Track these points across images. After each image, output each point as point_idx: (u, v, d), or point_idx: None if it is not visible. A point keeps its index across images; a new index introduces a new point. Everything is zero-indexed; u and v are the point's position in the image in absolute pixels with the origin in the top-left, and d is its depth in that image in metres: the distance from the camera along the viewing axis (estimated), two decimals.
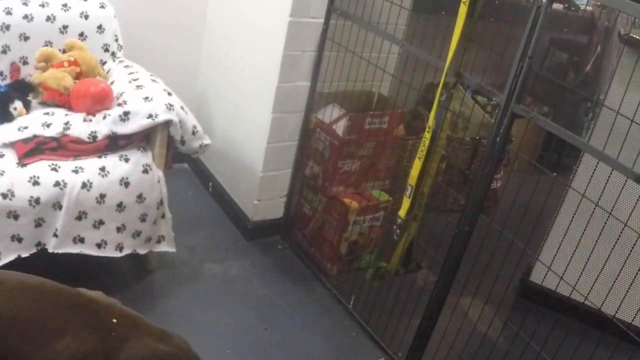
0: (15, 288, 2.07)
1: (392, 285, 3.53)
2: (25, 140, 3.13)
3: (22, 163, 3.03)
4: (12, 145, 3.13)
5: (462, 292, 3.12)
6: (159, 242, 3.58)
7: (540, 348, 2.68)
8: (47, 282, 2.16)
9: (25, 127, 3.19)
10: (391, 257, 3.50)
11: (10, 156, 3.07)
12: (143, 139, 3.43)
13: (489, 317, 3.05)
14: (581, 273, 2.69)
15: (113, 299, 2.33)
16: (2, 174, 2.95)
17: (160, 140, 3.43)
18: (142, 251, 3.49)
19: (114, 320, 2.16)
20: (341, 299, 3.90)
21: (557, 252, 2.85)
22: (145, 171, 3.33)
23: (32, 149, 3.09)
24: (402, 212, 3.25)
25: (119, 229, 3.30)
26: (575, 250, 2.65)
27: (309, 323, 3.71)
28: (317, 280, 4.08)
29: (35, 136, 3.15)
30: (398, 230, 3.33)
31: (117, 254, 3.36)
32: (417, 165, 3.13)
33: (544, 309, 3.75)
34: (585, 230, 2.70)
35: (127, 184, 3.25)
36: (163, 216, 3.53)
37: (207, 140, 3.60)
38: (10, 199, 2.93)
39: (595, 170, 2.52)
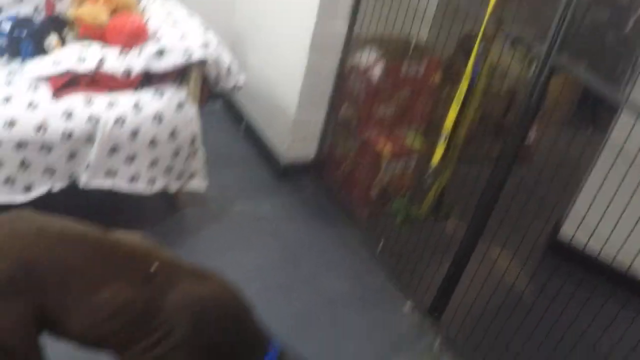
0: (55, 237, 2.07)
1: (422, 231, 3.52)
2: (60, 75, 3.13)
3: (56, 97, 3.04)
4: (46, 79, 3.13)
5: (491, 243, 3.10)
6: (190, 178, 3.60)
7: (565, 305, 2.66)
8: (88, 231, 2.16)
9: (60, 62, 3.18)
10: (422, 203, 3.49)
11: (44, 90, 3.08)
12: (178, 75, 3.41)
13: (516, 270, 3.03)
14: (611, 232, 2.65)
15: (151, 241, 2.33)
16: (35, 107, 2.97)
17: (195, 77, 3.41)
18: (174, 187, 3.51)
19: (154, 268, 2.16)
20: (370, 242, 3.90)
21: (588, 209, 2.80)
22: (180, 107, 3.32)
23: (66, 83, 3.10)
24: (435, 159, 3.23)
25: (151, 165, 3.32)
26: (607, 209, 2.61)
27: (336, 265, 3.73)
28: (346, 223, 4.08)
29: (69, 71, 3.14)
30: (430, 177, 3.31)
31: (149, 189, 3.38)
32: (452, 113, 3.09)
33: (571, 266, 3.73)
34: (618, 189, 2.65)
35: (160, 120, 3.25)
36: (195, 153, 3.53)
37: (241, 81, 3.58)
38: (44, 132, 2.94)
39: (633, 127, 2.46)
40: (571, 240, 3.34)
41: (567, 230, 3.98)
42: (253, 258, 3.61)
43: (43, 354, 2.25)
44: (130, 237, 2.29)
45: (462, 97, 3.03)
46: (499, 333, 3.00)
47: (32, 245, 2.01)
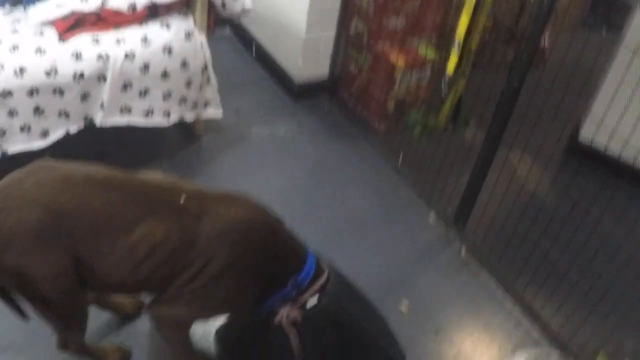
0: (80, 183, 2.07)
1: (441, 142, 3.51)
2: (65, 17, 3.09)
3: (62, 39, 3.02)
4: (51, 23, 3.10)
5: (511, 149, 3.09)
6: (205, 107, 3.59)
7: (588, 207, 2.66)
8: (112, 174, 2.17)
9: (63, 4, 3.14)
10: (439, 114, 3.47)
11: (51, 33, 3.06)
12: (183, 4, 3.37)
13: (537, 175, 3.03)
14: (631, 132, 2.63)
15: (172, 176, 2.33)
16: (44, 52, 2.95)
17: (201, 4, 3.36)
18: (189, 117, 3.51)
19: (182, 200, 2.17)
20: (390, 156, 3.90)
21: (607, 110, 2.77)
22: (188, 37, 3.29)
23: (72, 25, 3.07)
24: (450, 68, 3.20)
25: (165, 97, 3.31)
26: (625, 109, 2.58)
27: (359, 181, 3.75)
28: (364, 139, 4.07)
29: (74, 12, 3.11)
30: (446, 87, 3.28)
31: (165, 122, 3.40)
32: (464, 20, 3.04)
33: (593, 169, 3.71)
34: (635, 88, 2.61)
35: (170, 52, 3.22)
36: (208, 81, 3.52)
37: (248, 4, 3.52)
38: (55, 76, 2.94)
39: None
40: (591, 142, 3.31)
41: (587, 132, 3.94)
42: (275, 180, 3.63)
43: (86, 305, 2.31)
44: (152, 175, 2.30)
45: (473, 4, 2.97)
46: (523, 239, 3.02)
47: (60, 194, 2.02)
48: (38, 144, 3.04)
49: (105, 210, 2.06)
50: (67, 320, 2.29)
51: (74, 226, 2.02)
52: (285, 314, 2.29)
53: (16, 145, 3.01)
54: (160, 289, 2.22)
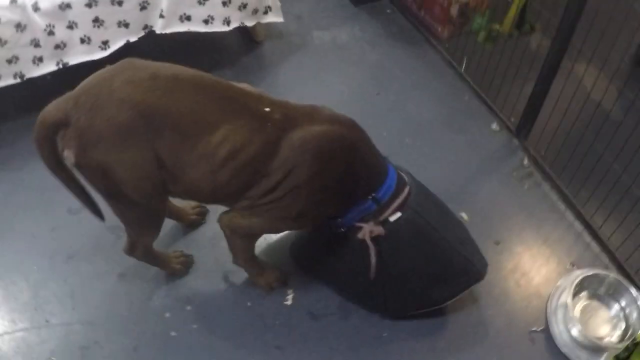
0: (168, 81, 2.09)
1: (505, 48, 3.40)
2: None
3: None
4: None
5: (577, 58, 2.98)
6: (265, 12, 3.54)
7: None
8: (199, 75, 2.18)
9: None
10: (504, 18, 3.36)
11: None
12: None
13: (603, 86, 2.93)
14: None
15: (258, 89, 2.33)
16: None
17: None
18: (249, 23, 3.48)
19: (267, 109, 2.18)
20: (453, 62, 3.81)
21: None
22: None
23: None
24: None
25: (224, 3, 3.28)
26: None
27: (421, 87, 3.69)
28: (427, 44, 3.98)
29: None
30: None
31: (225, 28, 3.37)
32: None
33: None
34: None
35: None
36: None
37: None
38: None
39: None
40: None
41: None
42: (337, 86, 3.60)
43: (164, 209, 2.37)
44: (239, 84, 2.29)
45: None
46: (586, 152, 2.96)
47: (148, 91, 2.05)
48: (99, 54, 3.07)
49: (191, 110, 2.09)
50: (144, 222, 2.38)
51: (161, 125, 2.05)
52: (369, 229, 2.33)
53: (77, 57, 3.04)
54: (236, 197, 2.26)
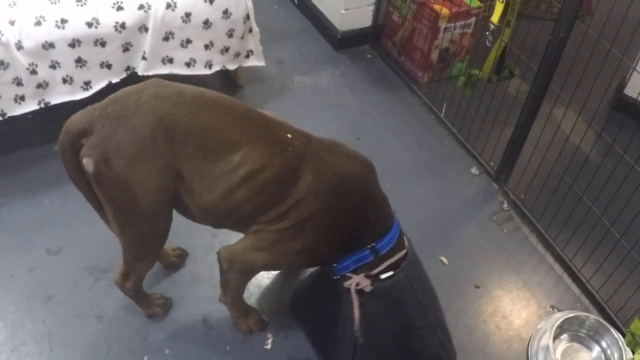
0: (194, 100, 2.11)
1: (484, 93, 3.45)
2: None
3: None
4: None
5: (556, 103, 3.03)
6: (247, 56, 3.58)
7: (634, 161, 2.60)
8: (224, 96, 2.20)
9: None
10: (483, 64, 3.40)
11: None
12: None
13: (582, 129, 2.97)
14: None
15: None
16: (85, 3, 2.96)
17: None
18: (231, 67, 3.50)
19: (289, 135, 2.19)
20: (433, 107, 3.86)
21: None
22: None
23: None
24: (495, 18, 3.12)
25: (206, 47, 3.31)
26: None
27: (400, 131, 3.72)
28: (407, 88, 4.04)
29: None
30: (491, 37, 3.21)
31: (207, 71, 3.39)
32: None
33: (639, 123, 3.62)
34: None
35: (211, 1, 3.20)
36: (250, 30, 3.50)
37: None
38: (96, 27, 2.95)
39: None
40: (638, 95, 3.22)
41: (633, 87, 3.84)
42: (317, 131, 3.52)
43: (166, 234, 2.33)
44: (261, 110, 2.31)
45: None
46: (566, 194, 2.98)
47: (174, 107, 2.06)
48: (81, 95, 3.07)
49: (215, 128, 2.09)
50: (146, 244, 2.35)
51: (184, 140, 2.06)
52: (357, 280, 2.26)
53: (59, 97, 3.05)
54: (249, 222, 2.24)
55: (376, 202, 2.30)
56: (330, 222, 2.20)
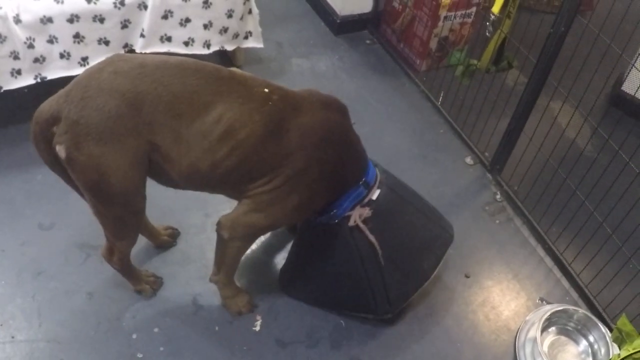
0: (158, 68, 2.08)
1: (482, 84, 3.45)
2: None
3: None
4: None
5: (553, 96, 3.03)
6: (246, 38, 3.56)
7: (629, 158, 2.61)
8: (188, 59, 2.17)
9: None
10: (482, 54, 3.39)
11: None
12: None
13: (578, 124, 2.97)
14: None
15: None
16: None
17: None
18: (229, 47, 3.49)
19: (266, 90, 2.17)
20: (430, 95, 3.86)
21: None
22: None
23: None
24: (496, 9, 3.11)
25: (205, 26, 3.29)
26: None
27: (397, 118, 3.72)
28: (405, 76, 4.03)
29: None
30: (491, 27, 3.20)
31: (205, 51, 3.38)
32: None
33: (635, 120, 3.62)
34: None
35: None
36: (250, 12, 3.48)
37: None
38: (95, 3, 2.93)
39: None
40: (635, 93, 3.22)
41: (631, 83, 3.84)
42: None
43: (142, 210, 2.33)
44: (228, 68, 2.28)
45: None
46: (560, 187, 2.99)
47: (136, 79, 2.04)
48: (77, 70, 3.05)
49: (184, 92, 2.07)
50: (123, 223, 2.34)
51: (153, 111, 2.04)
52: (358, 213, 2.40)
53: (56, 72, 3.03)
54: (237, 185, 2.25)
55: (356, 142, 2.40)
56: (322, 172, 2.25)
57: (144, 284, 2.68)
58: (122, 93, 2.00)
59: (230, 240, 2.39)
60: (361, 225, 2.42)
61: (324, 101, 2.30)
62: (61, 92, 2.08)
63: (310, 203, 2.33)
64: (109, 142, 2.02)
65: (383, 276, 2.52)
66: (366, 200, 2.42)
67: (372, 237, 2.44)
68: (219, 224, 2.36)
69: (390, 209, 2.52)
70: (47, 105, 2.07)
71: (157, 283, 2.73)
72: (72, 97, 2.02)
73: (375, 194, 2.44)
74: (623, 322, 2.34)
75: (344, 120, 2.35)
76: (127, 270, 2.60)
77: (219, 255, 2.50)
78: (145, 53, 2.11)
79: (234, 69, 2.27)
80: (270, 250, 2.94)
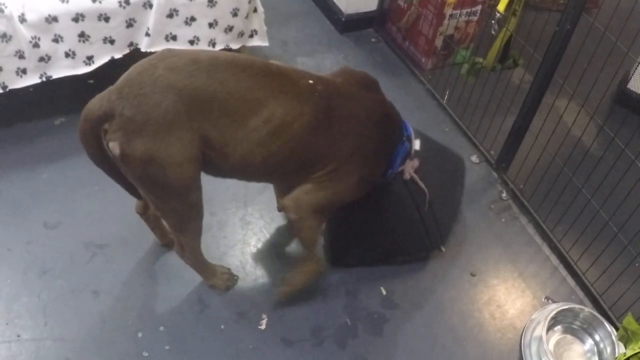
0: (211, 65, 2.10)
1: (487, 82, 3.43)
2: None
3: None
4: None
5: (559, 94, 3.02)
6: (251, 36, 3.56)
7: (635, 157, 2.60)
8: (238, 56, 2.21)
9: None
10: (488, 52, 3.38)
11: None
12: None
13: (583, 122, 2.96)
14: None
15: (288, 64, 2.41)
16: None
17: None
18: (234, 46, 3.48)
19: (311, 82, 2.23)
20: (435, 93, 3.85)
21: None
22: None
23: None
24: (501, 7, 3.10)
25: (210, 25, 3.29)
26: None
27: (403, 117, 3.69)
28: (411, 74, 4.02)
29: None
30: (496, 25, 3.19)
31: (210, 49, 3.37)
32: None
33: None
34: None
35: None
36: (255, 10, 3.48)
37: None
38: (100, 2, 2.94)
39: None
40: None
41: (637, 80, 3.83)
42: None
43: (201, 202, 2.35)
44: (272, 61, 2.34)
45: None
46: (565, 186, 2.98)
47: (191, 76, 2.06)
48: (83, 69, 3.07)
49: (237, 90, 2.11)
50: (183, 218, 2.36)
51: (207, 107, 2.08)
52: (409, 166, 2.61)
53: (61, 71, 3.04)
54: (296, 174, 2.34)
55: (390, 106, 2.56)
56: (374, 147, 2.39)
57: (217, 279, 2.72)
58: (178, 89, 2.03)
59: (299, 221, 2.44)
60: (414, 176, 2.64)
61: (360, 81, 2.45)
62: (111, 89, 2.09)
63: (370, 176, 2.46)
64: (165, 137, 2.04)
65: (434, 214, 2.80)
66: (411, 153, 2.62)
67: (423, 185, 2.67)
68: (283, 206, 2.43)
69: (430, 156, 2.78)
70: (97, 103, 2.08)
71: (231, 280, 2.76)
72: (126, 94, 2.03)
73: (417, 145, 2.66)
74: (629, 320, 2.33)
75: (379, 92, 2.50)
76: (199, 264, 2.64)
77: (298, 239, 2.62)
78: (198, 50, 2.19)
79: (274, 62, 2.32)
80: (272, 249, 2.94)
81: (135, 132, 2.02)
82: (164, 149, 2.05)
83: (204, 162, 2.20)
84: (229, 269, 2.77)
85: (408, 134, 2.59)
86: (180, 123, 2.04)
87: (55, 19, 2.88)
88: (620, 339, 2.42)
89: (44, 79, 3.01)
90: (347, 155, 2.29)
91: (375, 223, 2.79)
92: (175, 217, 2.35)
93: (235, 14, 3.33)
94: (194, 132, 2.08)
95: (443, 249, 2.97)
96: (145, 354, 2.51)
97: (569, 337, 2.76)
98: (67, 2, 2.87)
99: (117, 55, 3.13)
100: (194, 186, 2.24)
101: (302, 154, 2.24)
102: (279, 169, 2.29)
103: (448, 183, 2.99)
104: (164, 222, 2.45)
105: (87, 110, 2.09)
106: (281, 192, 2.58)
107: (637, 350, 2.27)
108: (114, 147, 2.06)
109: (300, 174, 2.33)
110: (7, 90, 2.97)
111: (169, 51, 2.15)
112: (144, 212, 2.65)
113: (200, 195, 2.31)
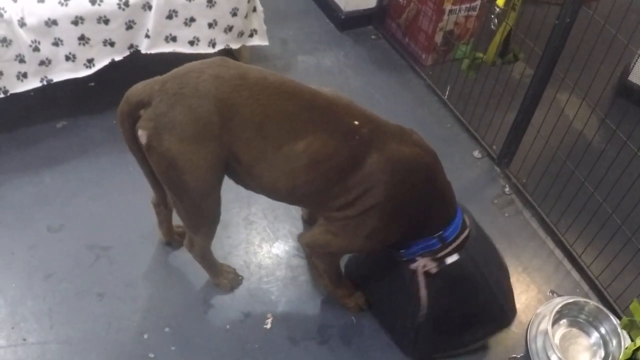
0: (257, 84, 2.08)
1: (488, 77, 3.44)
2: None
3: None
4: None
5: (560, 88, 3.02)
6: (251, 36, 3.56)
7: (638, 148, 2.60)
8: (288, 81, 2.17)
9: None
10: (488, 47, 3.39)
11: None
12: None
13: (585, 115, 2.96)
14: None
15: (346, 96, 2.31)
16: None
17: None
18: (235, 46, 3.49)
19: (356, 123, 2.16)
20: (436, 89, 3.85)
21: None
22: None
23: None
24: (501, 1, 3.12)
25: (210, 25, 3.29)
26: None
27: (403, 113, 3.70)
28: (411, 70, 4.02)
29: None
30: (496, 20, 3.20)
31: (210, 50, 3.38)
32: None
33: None
34: None
35: None
36: (254, 10, 3.48)
37: None
38: (99, 4, 2.93)
39: None
40: None
41: (638, 72, 3.82)
42: None
43: (218, 208, 2.35)
44: (328, 91, 2.27)
45: None
46: (568, 179, 2.98)
47: (234, 90, 2.05)
48: (83, 72, 3.06)
49: (277, 116, 2.08)
50: (198, 219, 2.37)
51: (242, 126, 2.06)
52: (423, 263, 2.32)
53: (61, 74, 3.04)
54: (315, 202, 2.30)
55: (443, 190, 2.31)
56: (398, 210, 2.22)
57: (222, 279, 2.72)
58: (217, 100, 2.02)
59: (314, 255, 2.50)
60: (420, 276, 2.35)
61: (414, 141, 2.25)
62: (157, 78, 2.10)
63: (381, 236, 2.30)
64: (191, 142, 2.04)
65: (419, 325, 2.47)
66: (440, 255, 2.33)
67: (423, 292, 2.37)
68: (300, 241, 2.48)
69: (459, 277, 2.39)
70: (141, 88, 2.10)
71: (236, 280, 2.77)
72: (167, 88, 2.04)
73: (450, 259, 2.34)
74: (635, 306, 2.33)
75: (433, 164, 2.27)
76: (207, 262, 2.65)
77: (316, 267, 2.62)
78: (248, 66, 2.10)
79: (331, 90, 2.28)
80: (276, 248, 2.94)
81: (165, 128, 2.03)
82: (187, 154, 2.05)
83: (232, 173, 2.21)
84: (234, 269, 2.78)
85: (445, 235, 2.31)
86: (211, 133, 2.04)
87: (54, 23, 2.88)
88: (625, 327, 2.42)
89: (44, 82, 3.01)
90: (367, 204, 2.17)
91: (378, 290, 2.70)
92: (190, 217, 2.36)
93: (234, 14, 3.33)
94: (223, 145, 2.07)
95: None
96: (152, 355, 2.51)
97: (574, 330, 2.76)
98: (67, 5, 2.87)
99: (118, 58, 3.13)
100: (213, 195, 2.24)
101: (328, 192, 2.18)
102: (302, 199, 2.32)
103: (468, 322, 2.55)
104: (180, 220, 2.45)
105: (129, 92, 2.12)
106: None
107: None
108: (142, 135, 2.07)
109: (324, 207, 2.28)
110: (8, 94, 2.96)
111: (222, 59, 2.14)
112: (157, 205, 2.65)
113: (217, 203, 2.31)
